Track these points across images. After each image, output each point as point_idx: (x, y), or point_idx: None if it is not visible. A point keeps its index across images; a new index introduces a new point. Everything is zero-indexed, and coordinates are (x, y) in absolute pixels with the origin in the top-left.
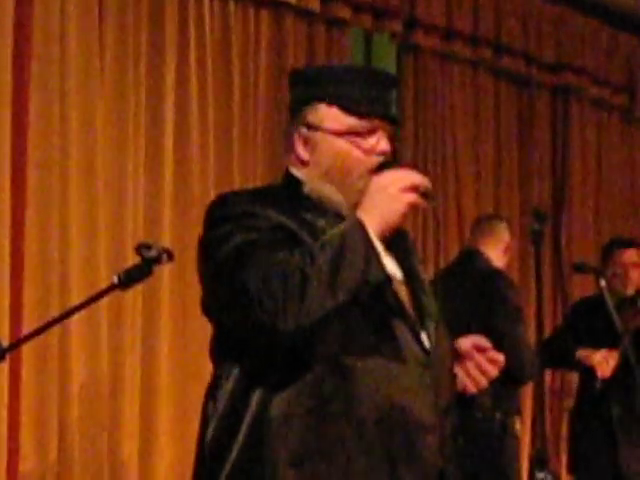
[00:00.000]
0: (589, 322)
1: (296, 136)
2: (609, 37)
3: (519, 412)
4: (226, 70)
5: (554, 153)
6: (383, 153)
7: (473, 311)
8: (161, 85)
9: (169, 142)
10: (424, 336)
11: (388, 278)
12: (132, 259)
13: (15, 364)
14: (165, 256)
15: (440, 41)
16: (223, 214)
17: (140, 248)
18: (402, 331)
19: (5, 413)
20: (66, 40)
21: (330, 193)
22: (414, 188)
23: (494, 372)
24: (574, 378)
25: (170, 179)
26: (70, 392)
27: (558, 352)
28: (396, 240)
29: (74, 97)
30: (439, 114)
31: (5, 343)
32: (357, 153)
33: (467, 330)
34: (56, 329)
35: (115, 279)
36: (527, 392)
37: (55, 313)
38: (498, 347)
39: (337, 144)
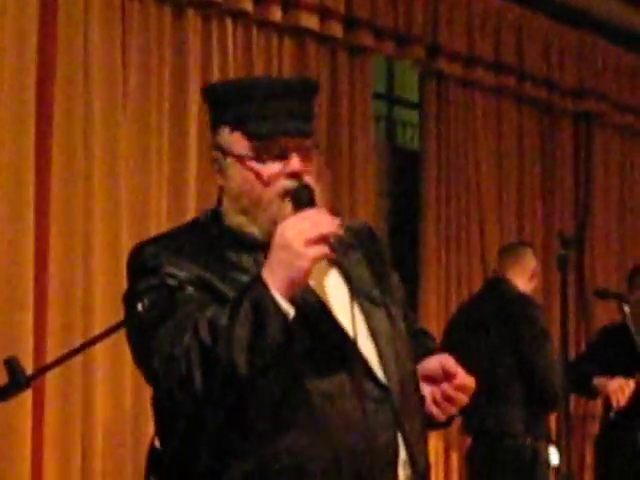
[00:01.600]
0: (614, 349)
1: (213, 161)
2: (631, 63)
3: (550, 438)
4: None
5: (577, 179)
6: (294, 174)
7: (501, 338)
8: (184, 113)
9: (192, 171)
10: (378, 370)
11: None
12: None
13: (38, 392)
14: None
15: (463, 68)
16: (139, 268)
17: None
18: (347, 366)
19: (29, 441)
20: (89, 66)
21: (245, 225)
22: (322, 238)
23: (464, 399)
24: (598, 404)
25: (193, 209)
26: (94, 420)
27: (578, 379)
28: (366, 244)
29: (98, 126)
30: (462, 140)
31: (29, 371)
32: (263, 179)
33: (497, 358)
34: (79, 357)
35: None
36: (552, 418)
37: (78, 340)
38: (527, 372)
39: (242, 171)
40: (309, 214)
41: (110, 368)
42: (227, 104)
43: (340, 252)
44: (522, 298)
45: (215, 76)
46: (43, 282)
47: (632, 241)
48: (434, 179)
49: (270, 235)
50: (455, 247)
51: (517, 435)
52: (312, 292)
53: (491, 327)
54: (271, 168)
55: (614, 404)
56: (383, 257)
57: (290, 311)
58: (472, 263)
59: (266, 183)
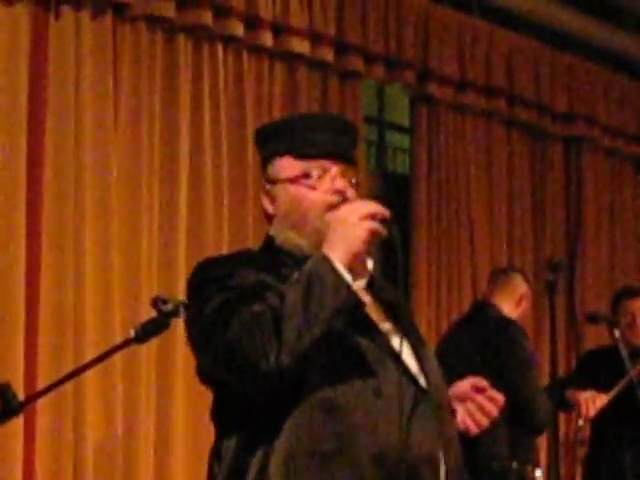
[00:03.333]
0: (601, 372)
1: (263, 196)
2: (622, 87)
3: (537, 463)
4: (240, 121)
5: (567, 203)
6: (339, 192)
7: (485, 363)
8: (175, 137)
9: (183, 195)
10: (412, 365)
11: (361, 303)
12: (146, 311)
13: (30, 417)
14: (182, 309)
15: (453, 92)
16: (203, 279)
17: (157, 302)
18: (390, 366)
19: (20, 466)
20: (81, 90)
21: (294, 239)
22: (372, 216)
23: (494, 411)
24: (588, 428)
25: (184, 234)
26: (85, 446)
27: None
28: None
29: (89, 148)
30: (452, 164)
31: (20, 396)
32: (311, 194)
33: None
34: (71, 381)
35: (132, 333)
36: (541, 441)
37: (70, 363)
38: (512, 397)
39: (291, 190)
40: (359, 201)
41: (101, 392)
42: (276, 137)
43: (389, 229)
44: (505, 323)
45: (206, 101)
46: (34, 305)
47: (622, 265)
48: (425, 203)
49: (316, 245)
50: (446, 271)
51: (503, 458)
52: (363, 303)
53: (475, 352)
54: (320, 183)
55: (582, 412)
56: (407, 308)
57: (350, 279)
58: (463, 287)
59: (321, 193)
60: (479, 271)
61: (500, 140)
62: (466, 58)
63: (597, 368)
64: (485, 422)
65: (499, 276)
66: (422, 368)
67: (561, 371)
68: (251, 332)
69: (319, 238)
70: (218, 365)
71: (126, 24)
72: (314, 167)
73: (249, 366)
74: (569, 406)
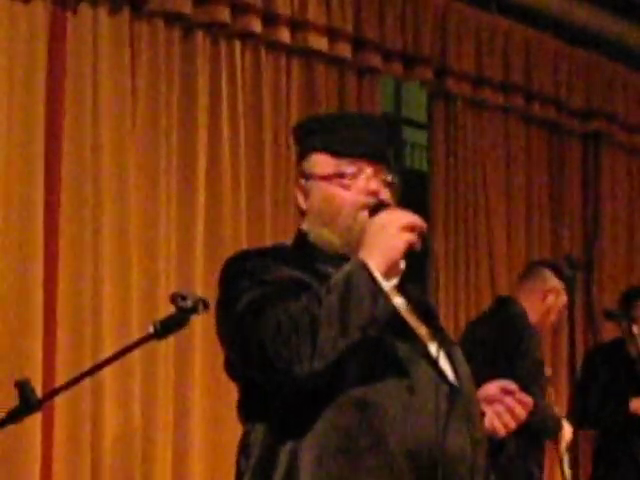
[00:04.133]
0: (610, 370)
1: (297, 189)
2: (639, 83)
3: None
4: (258, 117)
5: (585, 199)
6: (373, 193)
7: (494, 360)
8: (193, 134)
9: (201, 191)
10: (447, 369)
11: (398, 313)
12: (164, 307)
13: (48, 415)
14: (201, 306)
15: (471, 88)
16: (237, 272)
17: (175, 298)
18: (424, 365)
19: (38, 464)
20: (98, 87)
21: (326, 236)
22: (411, 227)
23: (523, 414)
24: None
25: (202, 230)
26: (103, 443)
27: (600, 411)
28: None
29: (106, 147)
30: (470, 161)
31: (39, 393)
32: (344, 193)
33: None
34: (89, 378)
35: (151, 329)
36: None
37: (88, 362)
38: None
39: (325, 187)
40: (398, 210)
41: (119, 389)
42: (315, 132)
43: (424, 244)
44: (517, 320)
45: (224, 97)
46: (52, 304)
47: None
48: (442, 200)
49: (347, 243)
50: (464, 268)
51: (512, 457)
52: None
53: (489, 347)
54: (354, 183)
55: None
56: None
57: (387, 286)
58: (481, 284)
59: (355, 192)
60: (497, 267)
61: (518, 136)
62: (484, 54)
63: (605, 366)
64: (513, 425)
65: (527, 270)
66: (454, 369)
67: (579, 366)
68: (287, 335)
69: (351, 236)
70: (249, 363)
71: (143, 20)
72: (349, 166)
73: (281, 369)
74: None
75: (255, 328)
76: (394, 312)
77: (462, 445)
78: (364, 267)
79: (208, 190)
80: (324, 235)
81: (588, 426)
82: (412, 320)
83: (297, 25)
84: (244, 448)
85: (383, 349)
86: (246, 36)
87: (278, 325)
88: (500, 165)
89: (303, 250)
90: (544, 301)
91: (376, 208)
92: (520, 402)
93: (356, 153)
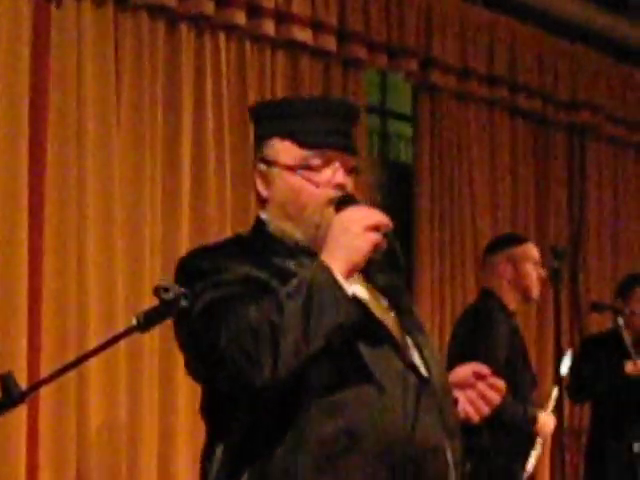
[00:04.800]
0: (601, 358)
1: (256, 175)
2: (624, 75)
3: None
4: (242, 110)
5: (571, 191)
6: (339, 186)
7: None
8: (177, 127)
9: (186, 183)
10: (417, 361)
11: (364, 306)
12: (149, 300)
13: (33, 407)
14: (183, 298)
15: (456, 80)
16: (191, 272)
17: (158, 290)
18: (392, 359)
19: (23, 457)
20: (82, 79)
21: (289, 230)
22: (376, 227)
23: (496, 398)
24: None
25: (187, 222)
26: (88, 435)
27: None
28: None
29: (91, 139)
30: (455, 153)
31: (23, 385)
32: (310, 187)
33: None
34: (73, 371)
35: (134, 321)
36: None
37: (72, 355)
38: None
39: (291, 179)
40: (363, 207)
41: (104, 381)
42: (279, 117)
43: (389, 243)
44: (486, 315)
45: (208, 90)
46: (36, 294)
47: (626, 253)
48: (427, 192)
49: (313, 239)
50: (449, 259)
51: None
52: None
53: (464, 343)
54: (320, 175)
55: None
56: (404, 292)
57: (350, 290)
58: (466, 276)
59: (318, 187)
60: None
61: (503, 128)
62: (469, 46)
63: (597, 354)
64: (486, 410)
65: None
66: (422, 356)
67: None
68: (245, 344)
69: (317, 233)
70: (207, 369)
71: (127, 13)
72: (315, 157)
73: (242, 378)
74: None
75: (210, 335)
76: (359, 311)
77: (435, 437)
78: (327, 272)
79: (193, 182)
80: (286, 229)
81: (585, 396)
82: (379, 310)
83: (281, 17)
84: (208, 455)
85: (348, 350)
86: (230, 28)
87: (235, 334)
88: (485, 157)
89: (261, 241)
90: (505, 279)
91: (342, 202)
92: (492, 387)
93: (323, 144)
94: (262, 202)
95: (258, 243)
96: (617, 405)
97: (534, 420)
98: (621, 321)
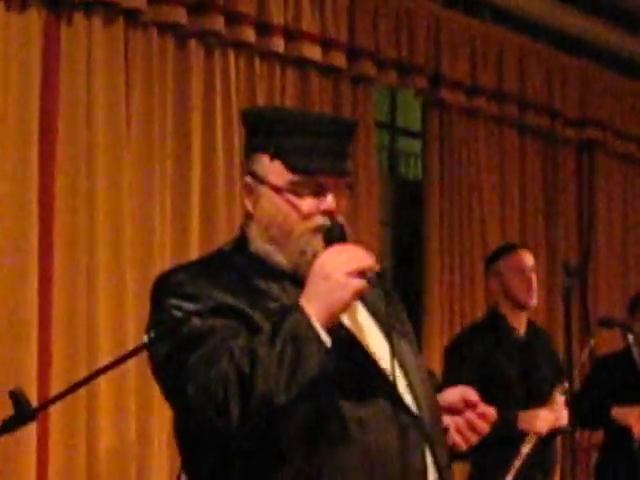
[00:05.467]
0: (615, 378)
1: (244, 189)
2: (633, 91)
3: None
4: None
5: (580, 208)
6: (328, 212)
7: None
8: (187, 143)
9: (195, 201)
10: (407, 397)
11: (357, 349)
12: None
13: (43, 425)
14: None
15: (465, 97)
16: (165, 299)
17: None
18: (381, 397)
19: (33, 473)
20: (92, 96)
21: (272, 253)
22: (360, 273)
23: (485, 428)
24: (600, 434)
25: (197, 236)
26: (98, 453)
27: (590, 411)
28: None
29: (101, 156)
30: (464, 170)
31: (33, 403)
32: (296, 214)
33: None
34: (84, 388)
35: (145, 338)
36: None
37: (83, 372)
38: None
39: (278, 202)
40: (347, 247)
41: (114, 399)
42: (269, 132)
43: (373, 286)
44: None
45: (218, 107)
46: (47, 314)
47: (635, 269)
48: (437, 208)
49: (297, 265)
50: (458, 276)
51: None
52: (343, 325)
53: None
54: (308, 202)
55: (637, 435)
56: (401, 309)
57: (328, 341)
58: (476, 292)
59: (304, 217)
60: None
61: (512, 145)
62: (478, 63)
63: (611, 375)
64: (474, 439)
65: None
66: (411, 386)
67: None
68: (213, 394)
69: (301, 259)
70: (173, 405)
71: (138, 30)
72: (304, 182)
73: (209, 426)
74: (614, 425)
75: (179, 383)
76: (344, 341)
77: (422, 474)
78: (305, 321)
79: (202, 199)
80: (269, 253)
81: (598, 425)
82: (368, 337)
83: (291, 34)
84: None
85: (340, 385)
86: (240, 45)
87: (205, 383)
88: (494, 174)
89: (243, 260)
90: (497, 294)
91: (331, 232)
92: (481, 416)
93: (313, 168)
94: (248, 216)
95: (240, 262)
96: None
97: (514, 421)
98: (631, 338)
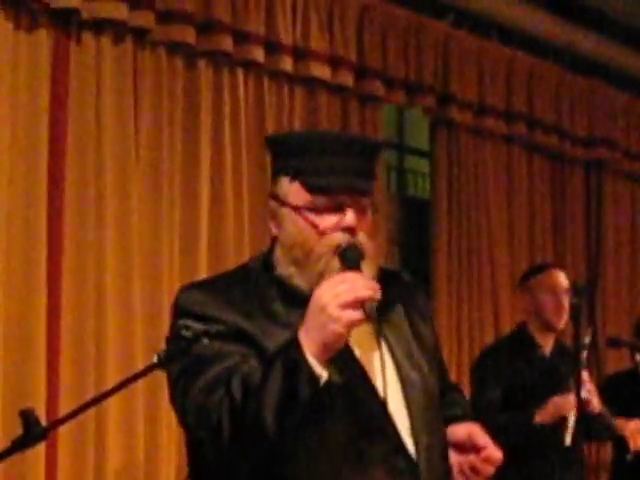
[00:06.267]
0: (623, 397)
1: (269, 212)
2: None
3: None
4: (261, 146)
5: (588, 227)
6: (347, 229)
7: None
8: (196, 162)
9: (204, 220)
10: (409, 443)
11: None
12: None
13: (51, 444)
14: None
15: (473, 116)
16: (182, 313)
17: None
18: (379, 441)
19: None
20: (101, 115)
21: (293, 276)
22: (355, 304)
23: (490, 471)
24: (609, 451)
25: (205, 256)
26: (106, 473)
27: (592, 424)
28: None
29: (109, 177)
30: (472, 189)
31: (43, 423)
32: (315, 234)
33: None
34: (92, 408)
35: (155, 359)
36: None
37: (91, 392)
38: None
39: (298, 221)
40: (348, 277)
41: (123, 419)
42: (288, 155)
43: (381, 318)
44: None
45: (227, 126)
46: (55, 334)
47: None
48: (445, 228)
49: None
50: (467, 295)
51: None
52: (356, 361)
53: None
54: (327, 220)
55: (631, 445)
56: (422, 308)
57: (323, 374)
58: (483, 310)
59: (321, 233)
60: (500, 297)
61: (520, 164)
62: (486, 82)
63: (619, 394)
64: None
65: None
66: (414, 429)
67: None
68: (208, 418)
69: (319, 281)
70: (180, 424)
71: (146, 50)
72: (324, 201)
73: (205, 443)
74: (615, 433)
75: (181, 400)
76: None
77: None
78: (298, 353)
79: (211, 218)
80: (291, 274)
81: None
82: (375, 366)
83: (300, 54)
84: None
85: (341, 433)
86: (249, 65)
87: (202, 411)
88: (503, 193)
89: (265, 282)
90: (527, 311)
91: (346, 253)
92: (486, 460)
93: (332, 187)
94: (273, 239)
95: (263, 283)
96: None
97: (531, 418)
98: (639, 357)
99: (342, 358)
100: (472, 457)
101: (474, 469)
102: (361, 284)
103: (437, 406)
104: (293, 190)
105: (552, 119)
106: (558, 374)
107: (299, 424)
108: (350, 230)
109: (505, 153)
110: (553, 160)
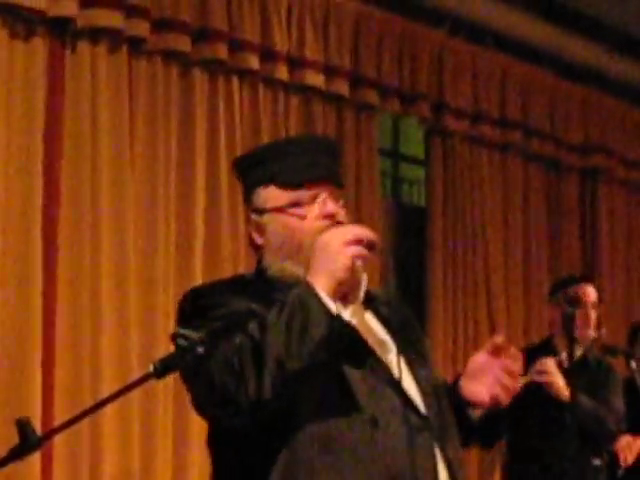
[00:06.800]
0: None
1: (250, 226)
2: (637, 118)
3: None
4: None
5: (583, 235)
6: (329, 215)
7: None
8: (191, 170)
9: (200, 229)
10: (414, 393)
11: (358, 336)
12: (163, 344)
13: (47, 454)
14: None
15: (468, 124)
16: (192, 308)
17: (175, 337)
18: (385, 392)
19: None
20: (97, 124)
21: (290, 267)
22: (357, 241)
23: (515, 385)
24: None
25: (200, 265)
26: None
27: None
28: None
29: (105, 185)
30: (468, 197)
31: (38, 432)
32: (301, 224)
33: None
34: (87, 418)
35: (151, 368)
36: None
37: (87, 400)
38: None
39: (283, 220)
40: (344, 226)
41: (118, 426)
42: (257, 166)
43: (375, 254)
44: None
45: (222, 134)
46: (51, 342)
47: (638, 296)
48: (440, 235)
49: None
50: (462, 303)
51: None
52: (368, 346)
53: None
54: (310, 211)
55: (622, 461)
56: (412, 322)
57: (334, 308)
58: (479, 319)
59: (308, 222)
60: (495, 303)
61: (515, 172)
62: (481, 91)
63: None
64: (515, 385)
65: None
66: (421, 390)
67: None
68: (230, 364)
69: None
70: (204, 398)
71: (142, 58)
72: (301, 194)
73: (229, 398)
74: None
75: (205, 366)
76: (351, 334)
77: (433, 476)
78: (308, 287)
79: (206, 224)
80: (287, 269)
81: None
82: (376, 341)
83: (295, 62)
84: None
85: (341, 381)
86: (244, 73)
87: (223, 356)
88: (498, 201)
89: (262, 282)
90: (554, 324)
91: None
92: (514, 357)
93: (305, 179)
94: (258, 251)
95: (261, 286)
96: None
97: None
98: (634, 365)
99: (355, 348)
100: (503, 359)
101: (509, 371)
102: (357, 227)
103: (438, 379)
104: (271, 194)
105: (547, 127)
106: (570, 387)
107: (315, 360)
108: (333, 217)
109: (500, 161)
110: (548, 168)
